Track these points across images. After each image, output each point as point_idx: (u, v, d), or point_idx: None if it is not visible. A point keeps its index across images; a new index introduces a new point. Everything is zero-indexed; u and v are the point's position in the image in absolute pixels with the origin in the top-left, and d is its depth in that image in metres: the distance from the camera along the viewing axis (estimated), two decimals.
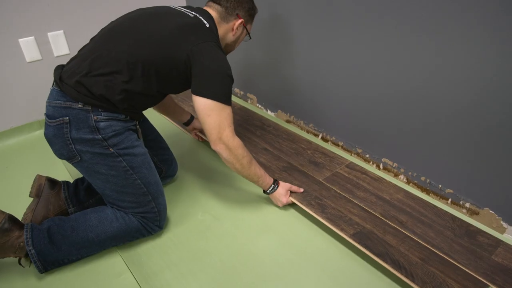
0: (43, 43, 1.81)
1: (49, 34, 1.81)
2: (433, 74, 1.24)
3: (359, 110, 1.56)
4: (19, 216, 1.27)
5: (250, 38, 1.42)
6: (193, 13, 1.19)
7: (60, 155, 1.14)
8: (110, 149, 1.11)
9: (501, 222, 1.26)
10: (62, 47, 1.87)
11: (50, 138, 1.12)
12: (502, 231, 1.26)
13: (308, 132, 1.88)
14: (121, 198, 1.18)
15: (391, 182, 1.50)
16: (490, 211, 1.28)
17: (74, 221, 1.16)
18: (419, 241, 1.22)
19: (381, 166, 1.59)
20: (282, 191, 1.36)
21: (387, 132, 1.49)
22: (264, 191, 1.37)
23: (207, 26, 1.17)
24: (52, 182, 1.29)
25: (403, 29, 1.26)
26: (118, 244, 1.22)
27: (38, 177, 1.29)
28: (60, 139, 1.10)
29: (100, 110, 1.10)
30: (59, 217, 1.17)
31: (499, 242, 1.22)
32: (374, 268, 1.17)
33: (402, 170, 1.51)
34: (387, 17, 1.29)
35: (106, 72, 1.09)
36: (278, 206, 1.41)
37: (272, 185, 1.34)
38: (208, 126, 1.13)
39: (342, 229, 1.25)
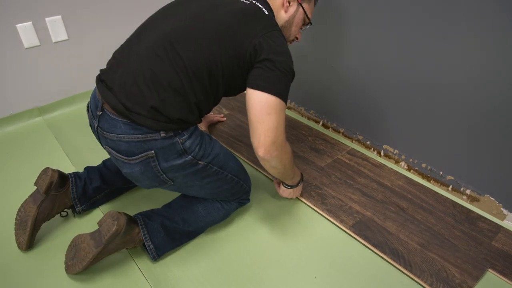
0: (41, 29, 1.79)
1: (47, 19, 1.79)
2: (434, 61, 1.23)
3: (360, 97, 1.55)
4: (19, 202, 1.27)
5: (311, 23, 1.20)
6: (252, 1, 1.05)
7: (149, 187, 1.09)
8: (200, 162, 1.04)
9: (502, 209, 1.26)
10: (61, 33, 1.85)
11: (137, 176, 1.03)
12: (503, 217, 1.26)
13: (309, 118, 1.87)
14: (219, 195, 1.18)
15: (392, 169, 1.50)
16: (491, 198, 1.28)
17: (182, 213, 1.18)
18: (420, 226, 1.23)
19: (382, 153, 1.58)
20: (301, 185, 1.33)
21: (388, 119, 1.48)
22: (288, 185, 1.28)
23: (266, 13, 1.04)
24: (63, 180, 1.22)
25: (405, 15, 1.25)
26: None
27: (51, 173, 1.18)
28: (149, 174, 1.01)
29: (180, 131, 1.00)
30: (165, 210, 1.18)
31: (499, 228, 1.23)
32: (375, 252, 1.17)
33: (403, 157, 1.51)
34: (388, 2, 1.27)
35: (176, 92, 0.96)
36: (281, 197, 1.38)
37: (301, 178, 1.29)
38: (266, 126, 0.97)
39: (341, 221, 1.26)
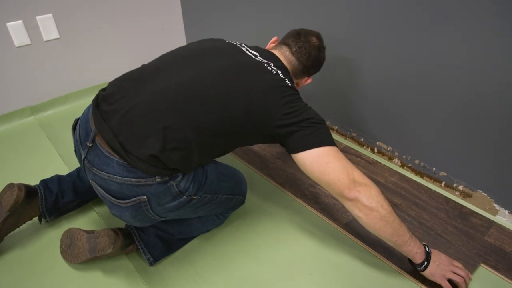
0: (32, 27, 1.77)
1: (38, 18, 1.77)
2: (427, 59, 1.24)
3: (353, 94, 1.55)
4: None
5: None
6: (275, 69, 1.05)
7: (140, 226, 1.09)
8: (194, 197, 1.01)
9: (494, 204, 1.27)
10: (52, 31, 1.83)
11: (127, 219, 0.99)
12: (495, 213, 1.28)
13: None
14: (213, 212, 1.17)
15: (385, 166, 1.51)
16: (483, 193, 1.29)
17: (176, 227, 1.16)
18: (413, 222, 1.24)
19: (375, 150, 1.59)
20: (445, 257, 1.04)
21: (381, 115, 1.49)
22: (416, 264, 1.01)
23: (290, 84, 1.04)
24: (30, 195, 1.13)
25: (402, 15, 1.25)
26: None
27: (17, 192, 1.08)
28: (140, 217, 0.98)
29: (174, 174, 0.95)
30: (158, 223, 1.13)
31: (491, 224, 1.24)
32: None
33: (396, 153, 1.52)
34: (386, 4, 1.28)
35: (183, 146, 0.92)
36: (281, 196, 1.40)
37: (427, 250, 1.01)
38: (333, 173, 0.94)
39: (335, 220, 1.27)
